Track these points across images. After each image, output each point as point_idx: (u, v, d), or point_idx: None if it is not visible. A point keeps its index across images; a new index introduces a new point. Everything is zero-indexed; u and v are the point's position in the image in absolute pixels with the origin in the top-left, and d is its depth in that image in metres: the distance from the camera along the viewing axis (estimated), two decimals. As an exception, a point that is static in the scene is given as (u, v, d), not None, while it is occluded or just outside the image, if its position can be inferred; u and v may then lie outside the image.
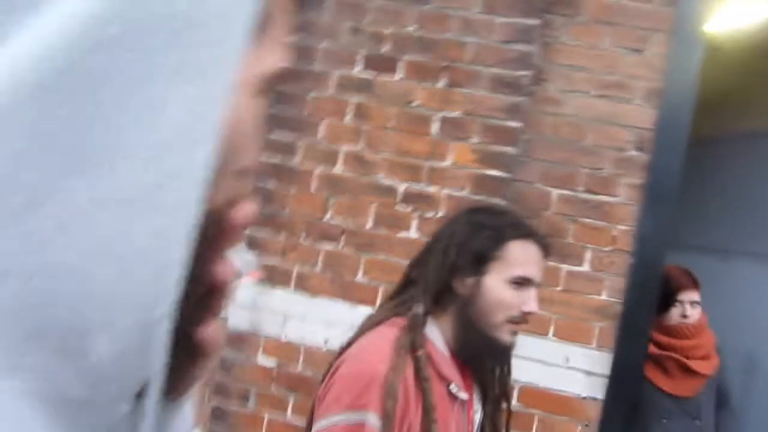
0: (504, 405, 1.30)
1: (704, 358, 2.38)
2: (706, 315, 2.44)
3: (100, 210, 0.27)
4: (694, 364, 2.35)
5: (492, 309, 1.18)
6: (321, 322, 2.09)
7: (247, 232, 2.18)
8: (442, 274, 1.20)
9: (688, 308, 2.36)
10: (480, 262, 1.19)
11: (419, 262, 1.27)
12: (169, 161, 0.29)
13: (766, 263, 2.88)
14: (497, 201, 2.06)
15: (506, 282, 1.19)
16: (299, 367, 2.10)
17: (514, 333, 1.23)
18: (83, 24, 0.27)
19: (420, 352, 1.12)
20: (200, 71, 0.30)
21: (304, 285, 2.13)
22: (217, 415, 2.17)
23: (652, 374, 2.38)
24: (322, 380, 1.18)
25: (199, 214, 0.30)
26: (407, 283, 1.26)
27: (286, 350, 2.12)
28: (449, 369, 1.18)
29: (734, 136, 2.96)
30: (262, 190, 2.18)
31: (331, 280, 2.11)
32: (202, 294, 0.35)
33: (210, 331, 0.37)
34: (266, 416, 2.13)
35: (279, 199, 2.17)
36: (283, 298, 2.14)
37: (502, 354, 1.25)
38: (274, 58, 0.36)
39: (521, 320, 1.22)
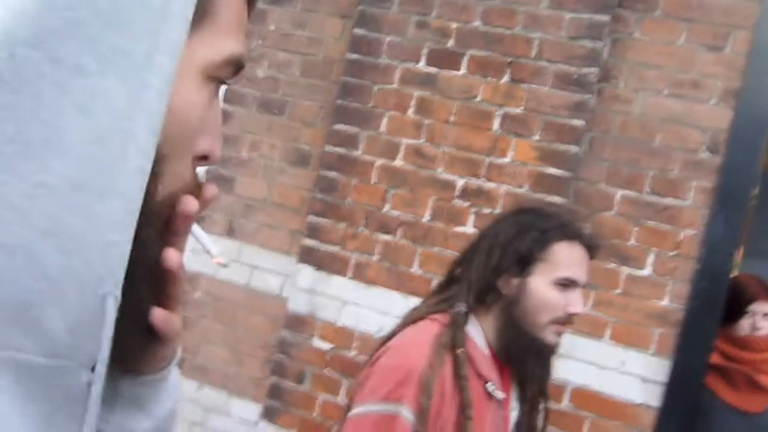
0: (542, 405, 1.30)
1: (775, 372, 2.27)
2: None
3: (44, 193, 0.29)
4: (763, 379, 2.25)
5: (537, 310, 1.19)
6: (375, 310, 2.15)
7: (309, 219, 2.27)
8: (486, 274, 1.22)
9: (760, 320, 2.25)
10: (525, 263, 1.20)
11: (464, 260, 1.28)
12: (109, 148, 0.30)
13: None
14: (557, 200, 2.04)
15: (552, 283, 1.19)
16: (353, 352, 2.17)
17: (559, 334, 1.23)
18: (21, 17, 0.28)
19: (460, 351, 1.15)
20: (138, 60, 0.30)
21: (361, 274, 2.19)
22: (274, 392, 2.27)
23: (718, 386, 2.29)
24: (364, 367, 1.22)
25: (139, 199, 0.32)
26: (452, 280, 1.28)
27: (341, 335, 2.19)
28: (488, 368, 1.20)
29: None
30: (325, 179, 2.25)
31: (388, 270, 2.16)
32: (156, 277, 0.37)
33: (164, 313, 0.38)
34: (320, 397, 2.21)
35: (341, 189, 2.23)
36: (341, 285, 2.21)
37: (545, 354, 1.26)
38: (225, 46, 0.37)
39: (566, 321, 1.22)
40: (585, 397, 2.08)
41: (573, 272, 1.20)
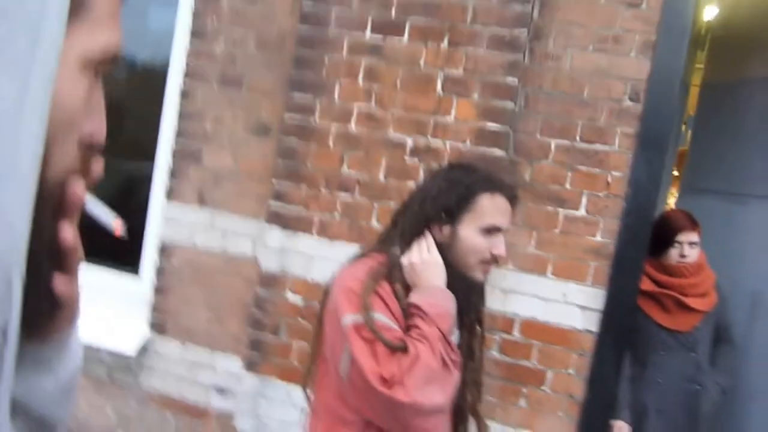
0: (478, 330, 1.52)
1: (702, 295, 2.54)
2: (706, 255, 2.58)
3: None
4: (690, 301, 2.51)
5: (466, 253, 1.39)
6: (341, 263, 2.35)
7: (274, 184, 2.44)
8: (419, 222, 1.42)
9: (687, 248, 2.50)
10: (454, 213, 1.40)
11: (402, 210, 1.48)
12: (2, 137, 0.32)
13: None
14: (497, 152, 2.25)
15: (478, 230, 1.39)
16: (322, 303, 2.38)
17: (486, 272, 1.44)
18: None
19: (396, 286, 1.35)
20: (21, 52, 0.33)
21: (325, 231, 2.39)
22: (254, 345, 2.48)
23: (651, 310, 2.55)
24: (324, 297, 1.41)
25: (34, 182, 0.35)
26: (391, 227, 1.48)
27: (311, 289, 2.40)
28: None
29: (751, 81, 3.00)
30: (286, 146, 2.43)
31: (349, 226, 2.36)
32: (54, 252, 0.41)
33: (64, 279, 0.42)
34: (295, 345, 2.43)
35: (301, 155, 2.41)
36: (307, 243, 2.41)
37: (476, 289, 1.47)
38: (101, 37, 0.40)
39: (492, 261, 1.43)
40: (533, 328, 2.33)
41: (496, 220, 1.40)
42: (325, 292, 1.41)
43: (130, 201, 3.04)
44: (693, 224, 2.53)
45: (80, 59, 0.39)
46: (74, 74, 0.39)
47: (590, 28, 2.27)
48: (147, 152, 2.82)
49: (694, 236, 2.52)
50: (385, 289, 1.33)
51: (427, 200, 1.42)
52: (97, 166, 0.43)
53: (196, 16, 2.63)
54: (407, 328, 1.32)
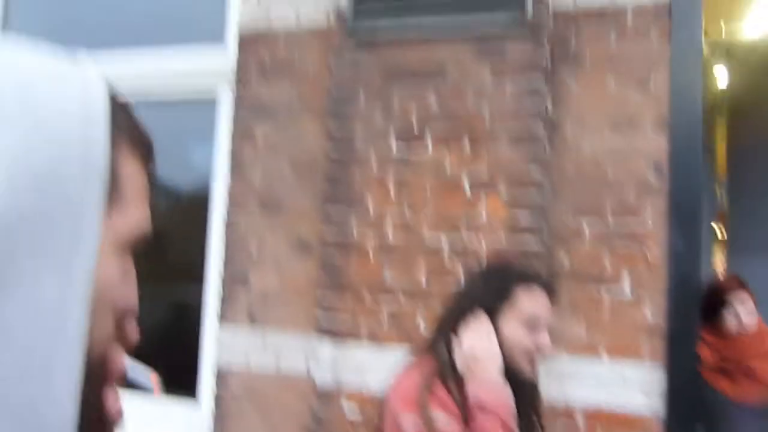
0: (536, 423, 1.52)
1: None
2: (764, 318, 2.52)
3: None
4: (758, 369, 2.43)
5: (511, 348, 1.44)
6: (393, 372, 2.37)
7: (320, 298, 2.52)
8: (456, 324, 1.47)
9: (740, 308, 2.45)
10: (494, 310, 1.45)
11: (445, 312, 1.54)
12: (48, 334, 0.35)
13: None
14: (532, 241, 2.29)
15: (519, 324, 1.44)
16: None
17: (533, 365, 1.46)
18: None
19: (450, 383, 1.39)
20: (65, 253, 0.36)
21: (374, 338, 2.43)
22: (316, 462, 2.47)
23: (719, 383, 2.47)
24: (381, 409, 1.45)
25: (80, 366, 0.37)
26: (437, 330, 1.54)
27: (367, 401, 2.40)
28: None
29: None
30: (329, 263, 2.52)
31: (397, 330, 2.40)
32: (99, 419, 0.42)
33: None
34: (357, 459, 2.41)
35: (343, 269, 2.50)
36: (358, 351, 2.44)
37: (527, 383, 1.49)
38: (132, 219, 0.43)
39: (538, 353, 1.46)
40: (595, 415, 2.27)
41: (535, 311, 1.45)
42: (382, 404, 1.45)
43: (181, 327, 3.15)
44: (740, 284, 2.50)
45: (115, 242, 0.41)
46: (110, 257, 0.41)
47: (603, 113, 2.36)
48: (195, 278, 2.96)
49: (744, 295, 2.48)
50: (439, 388, 1.36)
51: (468, 301, 1.48)
52: (133, 330, 0.45)
53: (234, 150, 2.84)
54: (467, 423, 1.33)
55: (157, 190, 3.40)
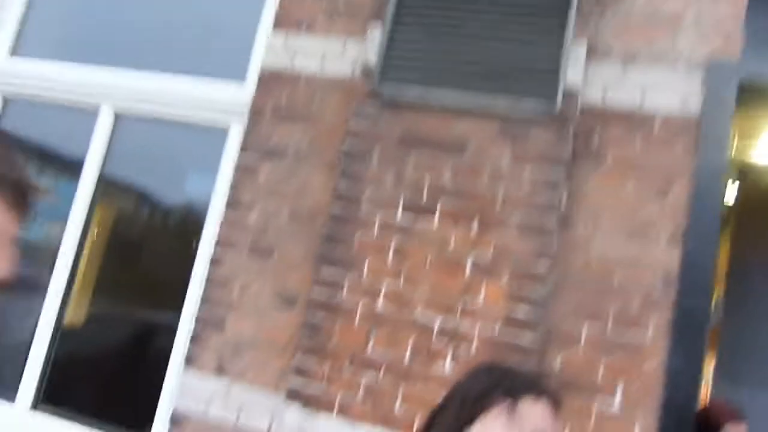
0: None
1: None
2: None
3: None
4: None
5: None
6: (361, 449, 2.22)
7: (296, 359, 2.38)
8: (459, 425, 1.35)
9: (735, 440, 2.34)
10: (495, 418, 1.33)
11: (439, 409, 1.41)
12: None
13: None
14: (527, 336, 2.19)
15: None
16: (339, 493, 2.21)
17: None
18: None
19: None
20: None
21: (346, 412, 2.28)
22: None
23: None
24: None
25: None
26: (429, 426, 1.41)
27: (327, 475, 2.24)
28: None
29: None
30: (311, 322, 2.39)
31: (372, 407, 2.25)
32: None
33: None
34: None
35: (326, 330, 2.37)
36: (327, 424, 2.29)
37: None
38: None
39: None
40: None
41: (539, 425, 1.33)
42: None
43: (150, 355, 2.98)
44: (737, 415, 2.39)
45: None
46: None
47: (619, 216, 2.30)
48: (171, 307, 2.81)
49: (740, 428, 2.37)
50: None
51: (468, 402, 1.36)
52: None
53: (234, 186, 2.73)
54: None
55: (150, 207, 3.30)
